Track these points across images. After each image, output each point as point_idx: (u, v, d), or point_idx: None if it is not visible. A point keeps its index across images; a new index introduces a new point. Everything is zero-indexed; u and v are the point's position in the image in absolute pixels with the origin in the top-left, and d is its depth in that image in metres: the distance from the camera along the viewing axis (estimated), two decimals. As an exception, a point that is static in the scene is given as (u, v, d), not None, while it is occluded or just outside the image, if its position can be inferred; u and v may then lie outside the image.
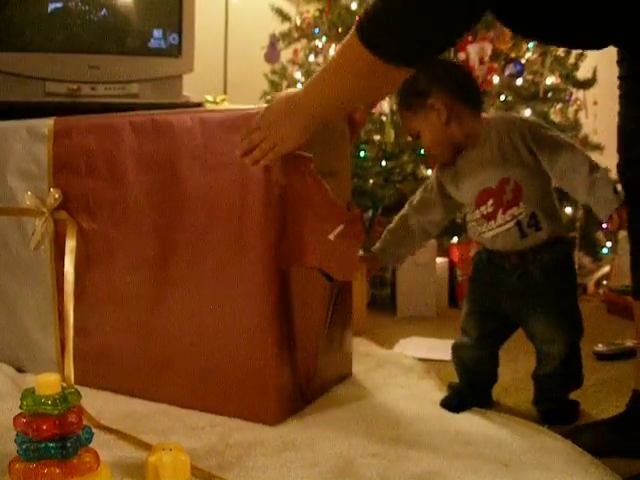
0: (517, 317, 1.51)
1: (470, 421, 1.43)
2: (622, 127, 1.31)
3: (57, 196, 1.61)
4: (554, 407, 1.51)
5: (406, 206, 1.64)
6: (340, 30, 2.92)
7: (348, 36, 1.15)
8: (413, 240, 1.63)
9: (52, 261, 1.63)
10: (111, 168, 1.56)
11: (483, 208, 1.47)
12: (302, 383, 1.49)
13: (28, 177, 1.68)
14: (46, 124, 1.67)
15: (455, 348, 1.59)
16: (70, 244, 1.56)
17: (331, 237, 1.37)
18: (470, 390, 1.56)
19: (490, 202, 1.46)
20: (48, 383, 1.07)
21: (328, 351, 1.58)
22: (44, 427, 1.04)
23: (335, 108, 1.29)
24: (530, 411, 1.53)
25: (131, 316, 1.54)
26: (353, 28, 1.14)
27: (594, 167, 1.36)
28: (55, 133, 1.65)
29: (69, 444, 1.05)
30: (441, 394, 1.58)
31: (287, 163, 1.38)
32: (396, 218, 1.63)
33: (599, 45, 1.25)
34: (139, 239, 1.52)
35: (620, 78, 1.31)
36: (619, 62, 1.31)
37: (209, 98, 3.15)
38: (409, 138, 1.59)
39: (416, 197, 1.62)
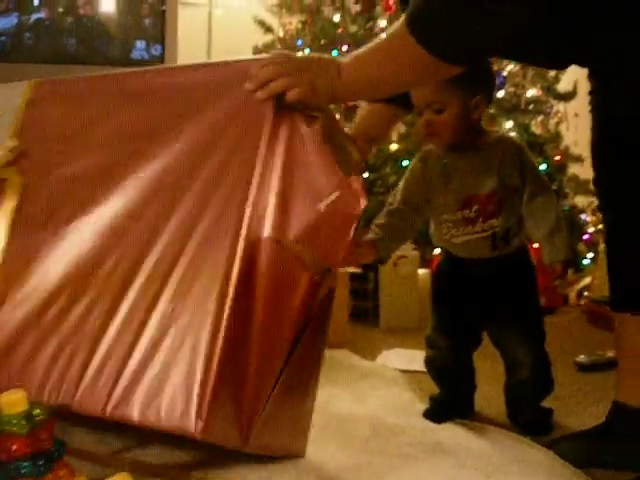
0: (482, 325, 1.53)
1: (452, 432, 1.43)
2: (592, 142, 1.34)
3: (10, 150, 1.33)
4: (531, 418, 1.51)
5: (391, 201, 1.59)
6: (322, 42, 2.93)
7: (397, 26, 1.15)
8: (404, 234, 1.60)
9: None
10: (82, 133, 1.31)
11: (467, 211, 1.48)
12: (243, 417, 1.13)
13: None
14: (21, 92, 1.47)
15: (427, 362, 1.60)
16: (10, 204, 1.29)
17: (321, 207, 1.15)
18: (451, 400, 1.56)
19: (475, 207, 1.47)
20: (12, 402, 1.03)
21: (283, 402, 1.20)
22: (13, 447, 1.01)
23: (371, 89, 1.25)
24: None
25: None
26: (402, 19, 1.13)
27: (560, 217, 1.46)
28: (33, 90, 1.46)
29: (41, 462, 1.02)
30: (423, 406, 1.57)
31: (293, 118, 1.18)
32: (384, 214, 1.57)
33: (560, 65, 1.30)
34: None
35: (589, 93, 1.34)
36: (588, 77, 1.34)
37: (192, 109, 3.15)
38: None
39: (399, 191, 1.58)
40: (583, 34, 1.17)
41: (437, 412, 1.53)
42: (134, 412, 1.06)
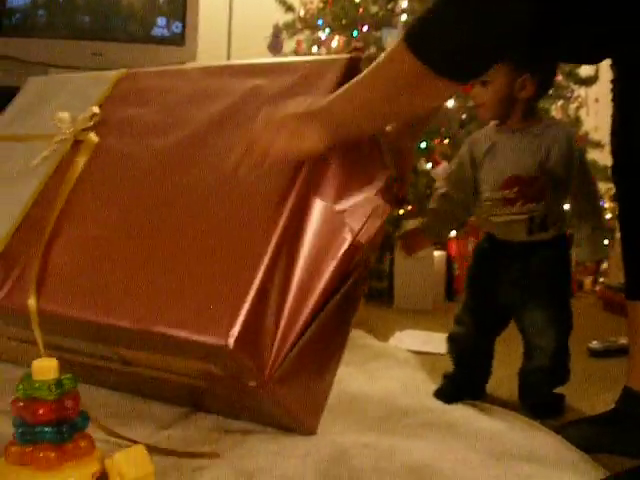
0: (512, 308, 1.54)
1: (463, 414, 1.44)
2: (612, 131, 1.34)
3: (90, 116, 1.51)
4: (540, 401, 1.53)
5: (441, 185, 1.63)
6: (344, 22, 2.92)
7: (392, 47, 1.10)
8: (455, 218, 1.62)
9: (47, 176, 1.46)
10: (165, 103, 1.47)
11: (507, 192, 1.49)
12: (272, 347, 1.16)
13: (71, 110, 1.56)
14: (114, 73, 1.65)
15: (450, 338, 1.61)
16: (80, 161, 1.44)
17: (361, 197, 1.30)
18: (464, 381, 1.58)
19: (515, 189, 1.48)
20: (43, 368, 1.07)
21: (307, 357, 1.23)
22: (40, 411, 1.05)
23: (364, 118, 1.17)
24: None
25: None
26: (402, 33, 1.09)
27: (602, 215, 1.52)
28: (119, 79, 1.60)
29: (64, 429, 1.06)
30: (435, 387, 1.59)
31: None
32: (435, 198, 1.62)
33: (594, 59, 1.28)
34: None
35: (612, 81, 1.33)
36: (611, 65, 1.33)
37: (211, 87, 3.15)
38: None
39: (451, 176, 1.61)
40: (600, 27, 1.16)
41: (449, 392, 1.54)
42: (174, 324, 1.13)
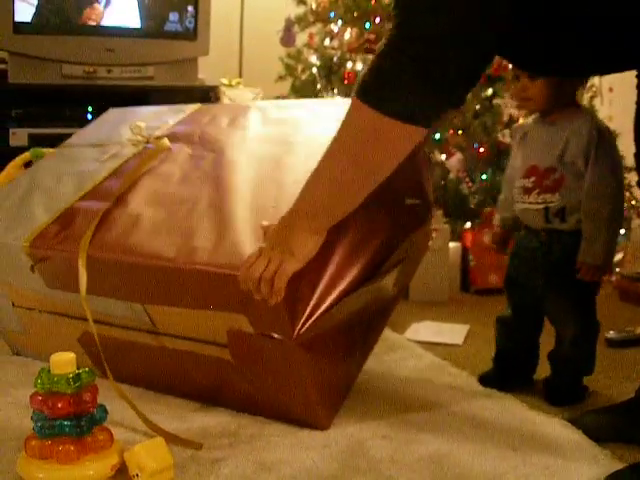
0: (540, 294, 1.55)
1: (480, 405, 1.44)
2: (636, 117, 1.32)
3: (163, 131, 1.65)
4: (560, 388, 1.54)
5: (502, 191, 1.69)
6: (356, 14, 2.90)
7: (348, 108, 1.05)
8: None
9: (109, 172, 1.56)
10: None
11: (526, 181, 1.53)
12: (309, 301, 1.19)
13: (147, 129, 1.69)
14: (192, 105, 1.84)
15: (498, 319, 1.65)
16: (149, 159, 1.55)
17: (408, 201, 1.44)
18: (508, 368, 1.62)
19: (532, 179, 1.52)
20: (62, 362, 1.08)
21: (337, 330, 1.31)
22: (59, 405, 1.06)
23: (342, 196, 1.11)
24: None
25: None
26: (351, 99, 1.04)
27: (606, 221, 1.45)
28: (195, 111, 1.76)
29: (83, 422, 1.07)
30: (451, 378, 1.59)
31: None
32: (500, 207, 1.69)
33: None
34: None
35: (637, 76, 1.31)
36: None
37: (224, 81, 3.15)
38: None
39: (504, 181, 1.69)
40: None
41: (495, 378, 1.59)
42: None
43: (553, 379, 1.56)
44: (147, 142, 1.62)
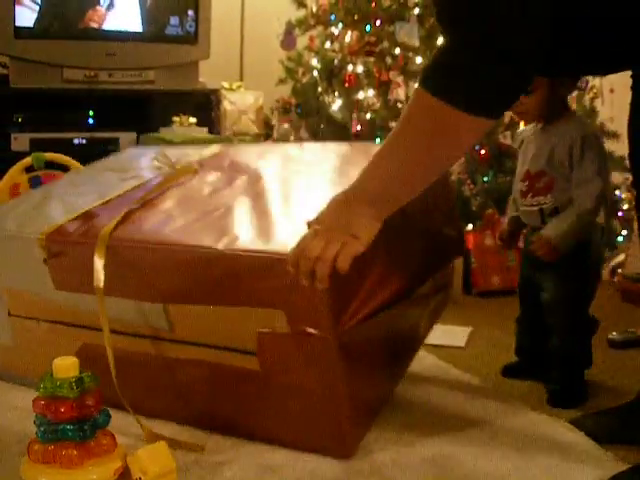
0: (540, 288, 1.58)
1: (483, 407, 1.44)
2: (630, 118, 1.33)
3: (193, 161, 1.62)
4: (560, 387, 1.53)
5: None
6: (356, 17, 2.90)
7: (411, 99, 1.06)
8: None
9: (132, 187, 1.52)
10: None
11: (522, 184, 1.59)
12: (348, 304, 1.15)
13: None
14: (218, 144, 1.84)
15: (516, 319, 1.70)
16: (176, 178, 1.53)
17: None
18: (527, 361, 1.66)
19: (526, 183, 1.58)
20: (65, 366, 1.09)
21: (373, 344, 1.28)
22: (62, 410, 1.06)
23: (405, 182, 1.09)
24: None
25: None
26: (416, 91, 1.04)
27: (577, 222, 1.48)
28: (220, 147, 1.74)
29: (86, 427, 1.07)
30: (454, 380, 1.59)
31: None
32: (513, 188, 1.71)
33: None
34: None
35: (632, 76, 1.32)
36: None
37: (225, 85, 3.16)
38: None
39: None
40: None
41: (515, 369, 1.65)
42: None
43: (552, 377, 1.56)
44: (173, 168, 1.57)
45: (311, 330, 1.11)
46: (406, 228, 1.26)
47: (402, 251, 1.30)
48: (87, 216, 1.40)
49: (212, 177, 1.51)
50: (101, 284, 1.24)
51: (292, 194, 1.35)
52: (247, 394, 1.23)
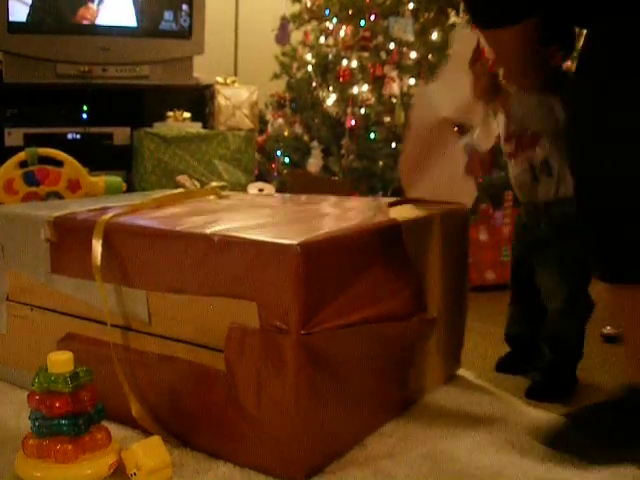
0: (534, 270, 1.57)
1: (478, 401, 1.45)
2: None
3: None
4: (545, 378, 1.51)
5: None
6: (350, 11, 2.91)
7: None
8: None
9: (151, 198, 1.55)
10: None
11: (508, 146, 1.56)
12: (322, 307, 1.12)
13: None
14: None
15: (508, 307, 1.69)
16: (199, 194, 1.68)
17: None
18: (517, 356, 1.65)
19: (513, 141, 1.55)
20: (59, 361, 1.08)
21: None
22: (56, 404, 1.06)
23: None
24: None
25: None
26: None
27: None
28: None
29: (81, 421, 1.07)
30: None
31: None
32: None
33: None
34: None
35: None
36: None
37: (220, 80, 3.15)
38: None
39: None
40: None
41: (506, 364, 1.64)
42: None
43: (540, 365, 1.54)
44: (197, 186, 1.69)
45: (279, 324, 1.08)
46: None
47: (395, 277, 1.29)
48: (102, 209, 1.44)
49: (241, 197, 1.69)
50: (98, 262, 1.27)
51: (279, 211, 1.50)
52: (210, 398, 1.19)
